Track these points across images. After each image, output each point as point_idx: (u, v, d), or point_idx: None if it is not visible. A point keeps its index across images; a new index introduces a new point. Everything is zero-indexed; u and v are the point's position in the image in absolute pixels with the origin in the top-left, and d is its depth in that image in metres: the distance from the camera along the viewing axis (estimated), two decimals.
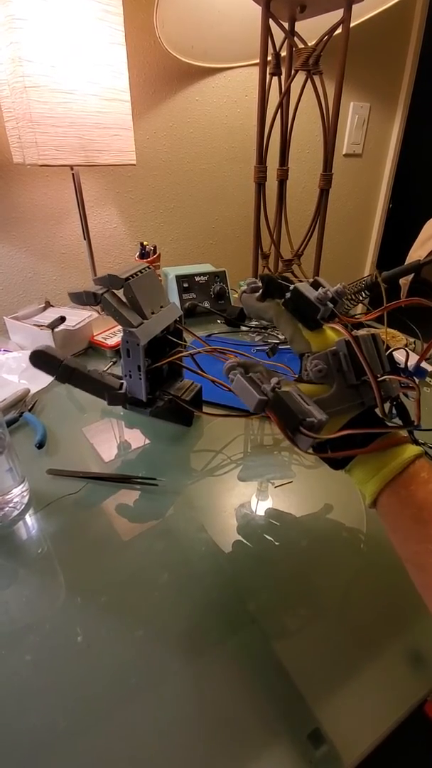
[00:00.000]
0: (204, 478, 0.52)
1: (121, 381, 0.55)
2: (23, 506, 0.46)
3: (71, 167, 0.82)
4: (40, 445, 0.54)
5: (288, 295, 0.36)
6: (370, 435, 0.32)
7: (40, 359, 0.51)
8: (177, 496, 0.49)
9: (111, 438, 0.59)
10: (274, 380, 0.33)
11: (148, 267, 0.53)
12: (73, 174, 0.83)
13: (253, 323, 0.93)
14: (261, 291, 0.39)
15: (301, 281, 0.37)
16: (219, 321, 0.95)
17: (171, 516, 0.46)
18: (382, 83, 1.34)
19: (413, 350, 0.82)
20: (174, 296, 0.95)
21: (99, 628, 0.35)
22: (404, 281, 0.94)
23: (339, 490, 0.49)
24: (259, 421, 0.63)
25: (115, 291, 0.50)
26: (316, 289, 0.36)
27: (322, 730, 0.29)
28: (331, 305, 0.35)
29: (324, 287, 0.36)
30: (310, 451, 0.33)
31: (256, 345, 0.84)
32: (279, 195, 1.02)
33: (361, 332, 0.34)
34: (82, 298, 0.49)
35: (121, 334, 0.49)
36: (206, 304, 0.96)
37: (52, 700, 0.31)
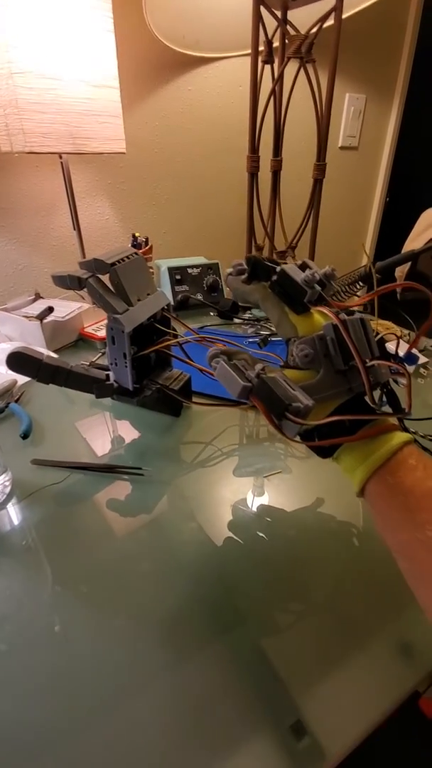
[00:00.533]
0: (193, 469, 0.51)
1: (108, 372, 0.54)
2: (5, 496, 0.45)
3: (60, 155, 0.80)
4: (25, 436, 0.53)
5: (274, 277, 0.35)
6: (358, 422, 0.31)
7: (18, 362, 0.48)
8: (164, 486, 0.48)
9: (99, 429, 0.58)
10: (258, 366, 0.32)
11: (136, 253, 0.52)
12: (62, 163, 0.82)
13: (246, 315, 0.92)
14: (247, 273, 0.37)
15: (286, 263, 0.36)
16: (212, 313, 0.94)
17: (158, 506, 0.45)
18: (378, 75, 1.32)
19: (407, 342, 0.81)
20: (167, 288, 0.94)
21: (78, 619, 0.34)
22: (400, 273, 0.94)
23: (331, 480, 0.48)
24: (250, 412, 0.62)
25: (101, 276, 0.49)
26: (304, 271, 0.35)
27: (305, 722, 0.28)
28: (318, 288, 0.34)
29: (311, 269, 0.35)
30: (297, 438, 0.32)
31: (248, 336, 0.83)
32: (273, 186, 1.01)
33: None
34: (65, 282, 0.48)
35: None
36: (199, 297, 0.95)
37: (27, 690, 0.30)
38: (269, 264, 0.36)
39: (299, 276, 0.34)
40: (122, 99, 0.78)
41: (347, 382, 0.33)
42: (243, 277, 0.38)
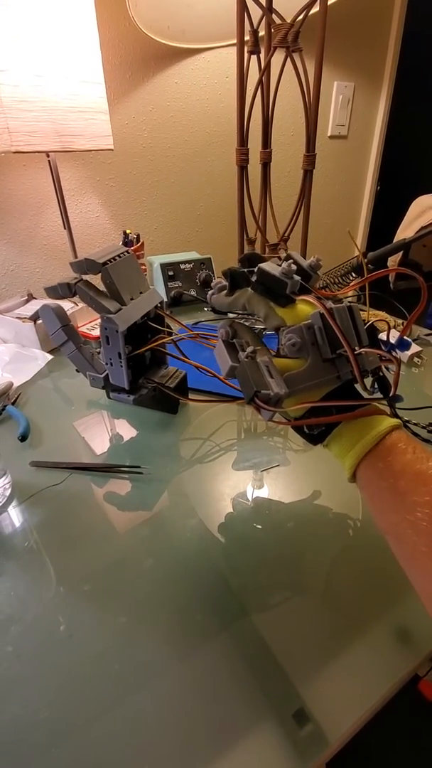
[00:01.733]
0: (192, 466, 0.51)
1: (106, 373, 0.54)
2: (5, 499, 0.45)
3: (47, 154, 0.80)
4: (23, 438, 0.53)
5: (254, 278, 0.36)
6: (346, 409, 0.32)
7: (46, 314, 0.54)
8: (164, 484, 0.48)
9: (97, 429, 0.58)
10: (249, 349, 0.32)
11: (127, 251, 0.52)
12: (49, 161, 0.81)
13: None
14: (228, 286, 0.38)
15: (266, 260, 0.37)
16: (206, 309, 0.94)
17: (158, 504, 0.46)
18: (366, 62, 1.31)
19: (399, 331, 0.82)
20: (159, 285, 0.93)
21: (82, 617, 0.35)
22: (392, 262, 0.94)
23: (329, 471, 0.49)
24: (247, 407, 0.62)
25: (93, 276, 0.49)
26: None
27: (307, 710, 0.29)
28: (297, 278, 0.34)
29: (291, 259, 0.35)
30: (283, 420, 0.34)
31: None
32: (263, 178, 1.00)
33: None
34: (57, 291, 0.48)
35: None
36: (192, 292, 0.94)
37: (34, 689, 0.30)
38: (246, 271, 0.37)
39: (277, 270, 0.34)
40: (108, 94, 0.77)
41: (335, 369, 0.33)
42: (225, 291, 0.39)
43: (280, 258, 0.37)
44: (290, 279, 0.33)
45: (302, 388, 0.31)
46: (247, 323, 0.35)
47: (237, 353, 0.32)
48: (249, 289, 0.37)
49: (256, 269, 0.35)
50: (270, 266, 0.35)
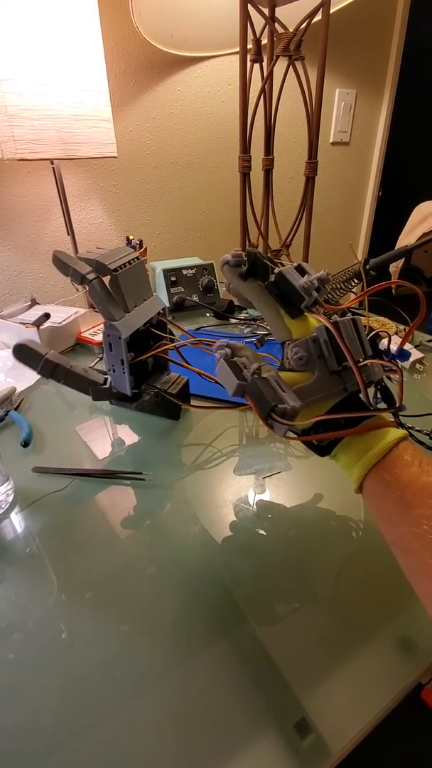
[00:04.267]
0: (194, 472, 0.51)
1: (106, 376, 0.54)
2: (8, 504, 0.45)
3: (51, 161, 0.80)
4: (26, 444, 0.53)
5: (272, 278, 0.35)
6: (354, 420, 0.32)
7: (23, 353, 0.51)
8: (166, 490, 0.48)
9: (99, 435, 0.58)
10: (254, 366, 0.32)
11: (137, 258, 0.52)
12: (53, 168, 0.82)
13: (242, 315, 0.92)
14: (245, 268, 0.37)
15: (283, 265, 0.36)
16: (208, 314, 0.95)
17: (160, 510, 0.46)
18: (367, 69, 1.32)
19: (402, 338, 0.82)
20: (162, 290, 0.94)
21: (84, 624, 0.35)
22: (394, 268, 0.94)
23: (332, 479, 0.49)
24: (248, 413, 0.62)
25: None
26: (302, 275, 0.35)
27: (309, 720, 0.29)
28: (316, 294, 0.34)
29: (309, 274, 0.35)
30: (293, 435, 0.33)
31: (244, 336, 0.83)
32: (265, 185, 1.01)
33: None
34: (67, 270, 0.46)
35: None
36: (195, 298, 0.95)
37: (35, 697, 0.30)
38: (268, 263, 0.36)
39: (298, 281, 0.34)
40: (112, 102, 0.78)
41: (342, 381, 0.33)
42: (240, 270, 0.37)
43: (283, 264, 0.37)
44: (309, 295, 0.33)
45: (311, 401, 0.31)
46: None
47: (241, 371, 0.32)
48: (263, 286, 0.36)
49: (275, 271, 0.35)
50: (291, 274, 0.34)
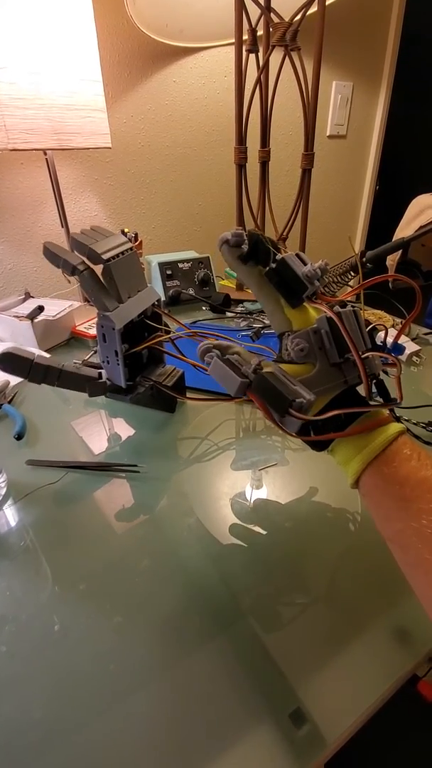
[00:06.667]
0: (190, 465, 0.51)
1: (100, 370, 0.53)
2: (1, 497, 0.45)
3: (44, 152, 0.79)
4: (19, 437, 0.53)
5: (273, 264, 0.33)
6: (352, 414, 0.31)
7: (7, 362, 0.48)
8: (161, 483, 0.48)
9: (94, 428, 0.57)
10: (254, 361, 0.31)
11: (131, 248, 0.51)
12: (47, 159, 0.80)
13: (239, 309, 0.92)
14: (246, 251, 0.34)
15: (286, 251, 0.35)
16: (204, 307, 0.94)
17: (155, 503, 0.45)
18: (364, 61, 1.31)
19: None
20: (158, 284, 0.93)
21: (78, 617, 0.34)
22: (391, 261, 0.93)
23: (328, 471, 0.48)
24: (245, 405, 0.62)
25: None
26: (305, 264, 0.34)
27: (305, 710, 0.28)
28: (318, 284, 0.33)
29: (305, 262, 0.34)
30: (294, 433, 0.32)
31: (240, 330, 0.83)
32: (261, 177, 1.00)
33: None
34: (58, 261, 0.45)
35: None
36: (191, 291, 0.94)
37: (28, 690, 0.30)
38: (270, 247, 0.34)
39: (301, 269, 0.33)
40: (106, 92, 0.76)
41: (342, 374, 0.32)
42: (240, 251, 0.35)
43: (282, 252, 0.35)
44: (311, 284, 0.32)
45: (314, 393, 0.31)
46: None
47: (239, 368, 0.30)
48: (264, 272, 0.34)
49: (278, 257, 0.33)
50: (293, 261, 0.33)
